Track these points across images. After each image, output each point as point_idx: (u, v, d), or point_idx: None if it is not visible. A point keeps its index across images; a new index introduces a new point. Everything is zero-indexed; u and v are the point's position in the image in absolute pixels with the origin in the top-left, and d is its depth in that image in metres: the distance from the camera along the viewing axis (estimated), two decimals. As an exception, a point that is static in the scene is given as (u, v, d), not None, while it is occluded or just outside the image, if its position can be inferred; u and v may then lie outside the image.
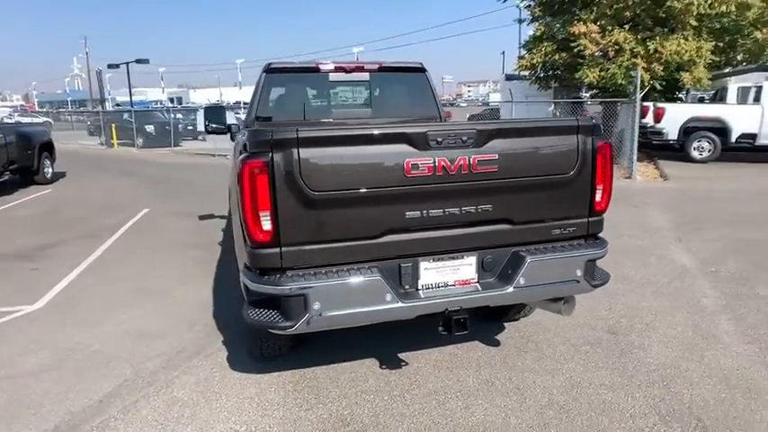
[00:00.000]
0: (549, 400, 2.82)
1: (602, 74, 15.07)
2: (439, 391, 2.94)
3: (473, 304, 2.58)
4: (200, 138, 27.67)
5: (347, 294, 2.34)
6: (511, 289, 2.54)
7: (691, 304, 4.05)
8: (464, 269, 2.59)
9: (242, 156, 2.32)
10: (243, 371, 3.24)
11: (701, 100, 18.74)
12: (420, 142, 2.34)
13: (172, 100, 60.18)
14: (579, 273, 2.66)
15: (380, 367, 3.25)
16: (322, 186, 2.30)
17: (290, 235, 2.31)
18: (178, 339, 3.73)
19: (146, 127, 21.76)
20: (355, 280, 2.34)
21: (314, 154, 2.27)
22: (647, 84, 14.18)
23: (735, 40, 15.06)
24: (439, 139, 2.36)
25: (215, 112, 5.75)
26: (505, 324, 3.73)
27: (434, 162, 2.37)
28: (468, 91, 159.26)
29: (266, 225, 2.29)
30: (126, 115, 22.87)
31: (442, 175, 2.39)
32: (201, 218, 7.85)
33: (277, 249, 2.32)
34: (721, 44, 14.86)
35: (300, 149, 2.24)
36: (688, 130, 11.86)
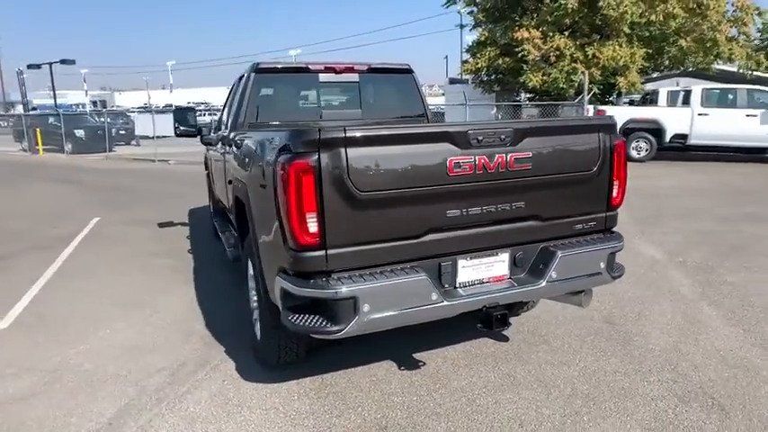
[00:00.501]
0: (573, 389, 2.91)
1: (544, 78, 15.77)
2: (465, 389, 2.96)
3: (510, 300, 2.62)
4: (133, 143, 26.38)
5: (396, 295, 2.31)
6: (544, 283, 2.61)
7: (671, 293, 4.31)
8: (498, 266, 2.63)
9: (283, 156, 2.23)
10: (257, 381, 3.12)
11: (631, 103, 19.98)
12: (462, 141, 2.36)
13: (95, 103, 56.72)
14: (603, 265, 2.77)
15: (399, 368, 3.23)
16: (369, 186, 2.26)
17: (336, 237, 2.26)
18: (175, 353, 3.53)
19: (75, 132, 20.36)
20: (403, 280, 2.32)
21: (361, 153, 2.22)
22: (586, 87, 14.93)
23: (662, 48, 16.21)
24: (480, 138, 2.38)
25: (184, 115, 5.51)
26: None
27: (475, 161, 2.39)
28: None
29: (312, 227, 2.22)
30: (52, 119, 21.32)
31: (481, 173, 2.42)
32: (161, 225, 7.49)
33: (322, 252, 2.26)
34: (650, 51, 15.95)
35: (348, 149, 2.20)
36: (627, 131, 12.62)
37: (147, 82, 79.74)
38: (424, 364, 3.27)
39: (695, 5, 15.12)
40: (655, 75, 18.16)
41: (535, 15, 16.57)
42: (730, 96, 12.50)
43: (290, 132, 2.30)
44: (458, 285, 2.56)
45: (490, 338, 3.57)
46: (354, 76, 4.48)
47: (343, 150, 2.19)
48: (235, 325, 3.92)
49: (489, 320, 2.55)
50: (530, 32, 15.42)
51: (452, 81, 23.39)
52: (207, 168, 6.38)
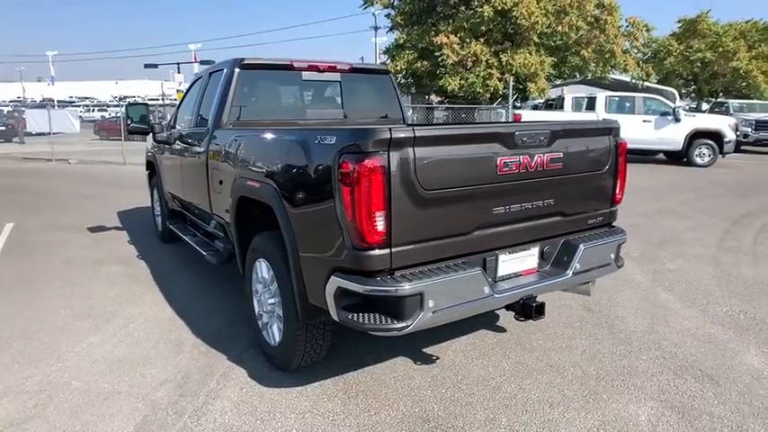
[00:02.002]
0: (582, 371, 3.17)
1: (462, 82, 16.53)
2: (487, 378, 3.10)
3: (542, 291, 2.80)
4: (15, 140, 23.86)
5: (455, 290, 2.38)
6: (570, 274, 2.82)
7: (629, 282, 4.78)
8: (529, 259, 2.80)
9: (351, 155, 2.21)
10: (277, 386, 3.03)
11: (535, 108, 21.48)
12: (510, 142, 2.49)
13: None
14: (612, 256, 3.05)
15: (417, 364, 3.30)
16: (431, 185, 2.31)
17: (401, 235, 2.28)
18: (172, 364, 3.32)
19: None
20: (462, 276, 2.40)
21: (427, 153, 2.27)
22: (500, 92, 15.89)
23: (565, 57, 17.66)
24: (524, 139, 2.53)
25: (137, 110, 5.17)
26: (497, 312, 4.02)
27: (520, 160, 2.53)
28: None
29: (380, 226, 2.23)
30: None
31: (524, 172, 2.57)
32: (93, 230, 6.90)
33: (387, 250, 2.27)
34: (555, 59, 17.32)
35: (416, 148, 2.24)
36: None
37: (22, 73, 71.88)
38: (438, 357, 3.37)
39: (593, 20, 16.68)
40: (558, 82, 19.72)
41: (451, 21, 17.30)
42: (628, 104, 13.93)
43: (357, 132, 2.29)
44: (497, 279, 2.69)
45: (487, 330, 3.75)
46: (336, 76, 4.46)
47: (410, 150, 2.23)
48: (225, 331, 3.76)
49: (528, 311, 2.71)
50: (448, 38, 16.08)
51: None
52: (155, 169, 5.96)
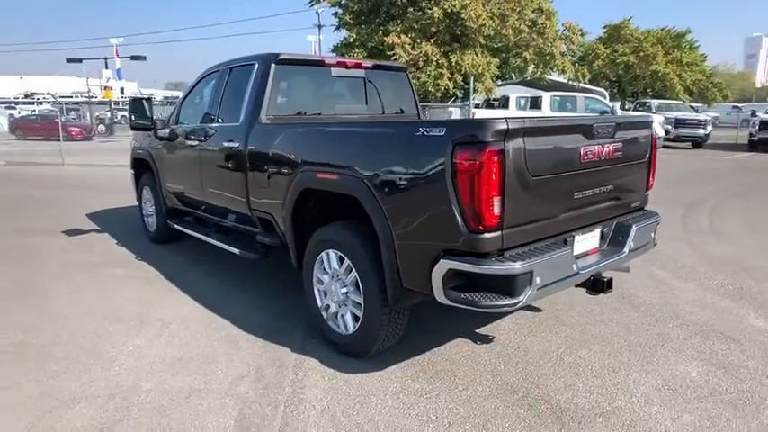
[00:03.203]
0: (626, 340, 3.51)
1: (414, 81, 16.91)
2: (547, 351, 3.36)
3: (607, 268, 3.10)
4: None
5: (554, 267, 2.61)
6: (626, 252, 3.14)
7: (624, 261, 5.26)
8: (593, 240, 3.09)
9: (470, 145, 2.37)
10: (356, 371, 3.12)
11: (477, 106, 22.31)
12: (589, 132, 2.76)
13: None
14: (652, 235, 3.42)
15: (476, 343, 3.50)
16: (536, 171, 2.53)
17: (510, 218, 2.47)
18: (237, 359, 3.31)
19: None
20: (560, 254, 2.63)
21: (533, 142, 2.48)
22: (451, 92, 16.45)
23: (507, 58, 18.55)
24: (599, 130, 2.81)
25: (140, 106, 5.03)
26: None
27: (595, 149, 2.81)
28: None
29: (496, 210, 2.41)
30: None
31: (598, 160, 2.85)
32: (70, 234, 6.53)
33: (499, 233, 2.46)
34: (499, 61, 18.15)
35: (526, 138, 2.44)
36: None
37: None
38: (493, 337, 3.60)
39: (531, 24, 17.65)
40: (499, 82, 20.65)
41: (400, 22, 17.66)
42: (570, 104, 14.91)
43: (473, 123, 2.45)
44: (575, 257, 2.95)
45: (525, 311, 4.02)
46: (361, 72, 4.57)
47: (521, 139, 2.43)
48: (273, 325, 3.79)
49: (600, 286, 2.99)
50: (400, 38, 16.40)
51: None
52: (149, 167, 5.74)
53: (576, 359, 3.26)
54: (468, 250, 2.48)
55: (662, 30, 26.32)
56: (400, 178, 2.71)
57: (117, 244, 6.07)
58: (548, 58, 17.16)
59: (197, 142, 4.67)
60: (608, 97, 19.11)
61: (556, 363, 3.22)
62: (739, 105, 30.55)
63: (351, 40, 18.33)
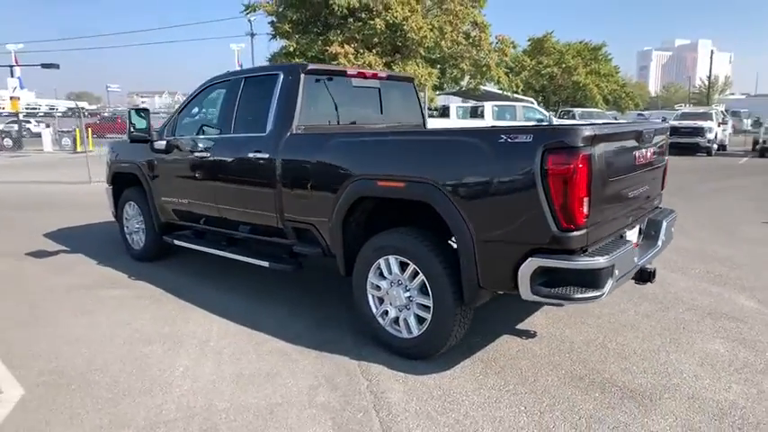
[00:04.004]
0: (650, 326, 3.86)
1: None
2: (590, 340, 3.63)
3: (651, 259, 3.42)
4: None
5: (626, 261, 2.86)
6: (660, 245, 3.48)
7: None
8: (634, 235, 3.40)
9: (563, 151, 2.56)
10: (426, 373, 3.21)
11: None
12: (640, 137, 3.06)
13: None
14: (672, 229, 3.80)
15: (522, 338, 3.70)
16: (611, 174, 2.77)
17: (593, 217, 2.70)
18: (301, 371, 3.28)
19: None
20: (629, 248, 2.89)
21: (608, 147, 2.73)
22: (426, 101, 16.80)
23: (444, 69, 19.24)
24: (646, 136, 3.12)
25: (140, 118, 4.84)
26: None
27: (644, 153, 3.12)
28: (143, 102, 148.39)
29: (585, 209, 2.62)
30: None
31: (644, 163, 3.16)
32: (37, 255, 6.05)
33: (585, 230, 2.67)
34: (437, 71, 18.80)
35: (603, 143, 2.68)
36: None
37: None
38: (535, 331, 3.82)
39: (465, 36, 18.47)
40: (437, 93, 21.34)
41: (339, 32, 17.80)
42: (509, 114, 15.77)
43: (563, 130, 2.63)
44: (624, 251, 3.24)
45: (551, 307, 4.27)
46: (377, 83, 4.68)
47: (602, 144, 2.67)
48: (318, 335, 3.79)
49: (646, 276, 3.29)
50: (343, 48, 16.54)
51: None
52: (138, 181, 5.45)
53: (617, 346, 3.55)
54: (559, 248, 2.67)
55: (580, 43, 28.58)
56: (481, 183, 2.86)
57: (98, 264, 5.69)
58: (484, 69, 18.03)
59: (207, 154, 4.53)
60: (536, 106, 20.41)
61: (602, 350, 3.49)
62: (644, 113, 33.62)
63: (291, 49, 18.18)
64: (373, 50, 17.27)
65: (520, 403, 2.88)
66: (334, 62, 16.58)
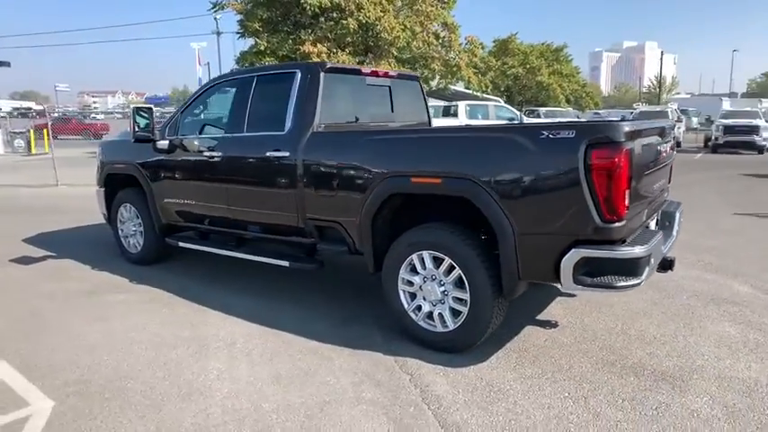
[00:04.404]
0: (663, 312, 4.05)
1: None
2: (608, 331, 3.77)
3: (669, 249, 3.58)
4: None
5: (657, 250, 3.00)
6: (675, 235, 3.66)
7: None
8: (653, 225, 3.56)
9: (607, 145, 2.67)
10: (464, 365, 3.26)
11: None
12: (663, 133, 3.22)
13: None
14: (682, 219, 4.00)
15: (546, 328, 3.81)
16: (643, 167, 2.91)
17: (630, 208, 2.83)
18: (338, 368, 3.28)
19: None
20: (659, 238, 3.04)
21: (642, 142, 2.88)
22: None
23: (414, 69, 19.36)
24: (666, 132, 3.29)
25: (145, 116, 4.73)
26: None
27: (665, 147, 3.28)
28: (95, 102, 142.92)
29: (626, 201, 2.74)
30: None
31: (664, 157, 3.32)
32: (23, 262, 5.79)
33: (625, 222, 2.80)
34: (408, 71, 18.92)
35: (639, 138, 2.81)
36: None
37: None
38: (556, 321, 3.94)
39: (435, 36, 18.68)
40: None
41: (311, 31, 17.67)
42: (481, 113, 16.06)
43: (605, 126, 2.74)
44: (650, 241, 3.40)
45: (566, 296, 4.42)
46: (388, 81, 4.71)
47: (639, 139, 2.80)
48: (344, 333, 3.79)
49: (667, 265, 3.46)
50: (316, 47, 16.42)
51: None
52: (137, 183, 5.29)
53: (637, 332, 3.72)
54: (601, 239, 2.78)
55: (542, 44, 29.44)
56: (522, 178, 2.94)
57: (93, 269, 5.48)
58: (454, 69, 18.28)
59: (218, 153, 4.46)
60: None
61: (624, 337, 3.65)
62: (600, 112, 34.85)
63: (262, 48, 17.90)
64: (346, 50, 17.21)
65: (563, 390, 2.98)
66: (307, 61, 16.46)
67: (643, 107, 27.78)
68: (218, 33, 24.16)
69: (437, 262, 3.35)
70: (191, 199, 4.83)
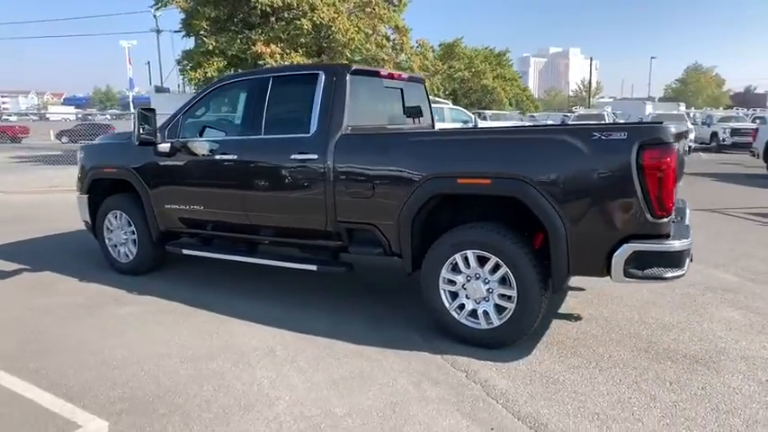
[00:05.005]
0: (669, 302, 4.36)
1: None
2: (627, 321, 4.02)
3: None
4: None
5: (692, 242, 3.26)
6: (687, 224, 3.97)
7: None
8: (671, 220, 3.85)
9: (659, 146, 2.87)
10: (511, 360, 3.37)
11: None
12: (681, 135, 3.48)
13: None
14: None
15: (573, 321, 4.01)
16: (679, 166, 3.15)
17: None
18: (391, 369, 3.30)
19: None
20: (691, 231, 3.30)
21: (681, 142, 3.11)
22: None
23: (367, 71, 19.45)
24: (687, 134, 3.56)
25: (149, 118, 4.55)
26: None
27: (683, 146, 3.56)
28: (5, 102, 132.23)
29: (673, 198, 2.97)
30: None
31: (682, 155, 3.59)
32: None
33: (670, 217, 3.02)
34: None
35: (680, 141, 3.04)
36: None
37: None
38: (578, 314, 4.15)
39: (385, 39, 18.86)
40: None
41: (261, 31, 17.32)
42: (438, 115, 16.36)
43: (656, 128, 2.93)
44: (671, 236, 3.66)
45: (577, 290, 4.65)
46: (400, 84, 4.77)
47: (681, 140, 3.03)
48: (379, 335, 3.81)
49: (691, 257, 3.73)
50: (270, 47, 16.13)
51: (158, 90, 21.56)
52: (136, 188, 5.01)
53: (654, 321, 3.99)
54: (652, 233, 2.99)
55: (486, 48, 30.46)
56: (575, 178, 3.09)
57: (81, 281, 5.15)
58: (407, 72, 18.52)
59: (232, 156, 4.33)
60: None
61: (645, 325, 3.90)
62: (534, 115, 36.47)
63: (210, 47, 17.31)
64: (299, 51, 17.01)
65: (613, 377, 3.16)
66: (261, 62, 16.12)
67: (581, 110, 29.34)
68: (158, 31, 23.05)
69: (481, 261, 3.45)
70: (198, 204, 4.65)
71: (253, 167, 4.26)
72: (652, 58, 63.56)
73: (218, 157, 4.41)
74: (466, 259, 3.48)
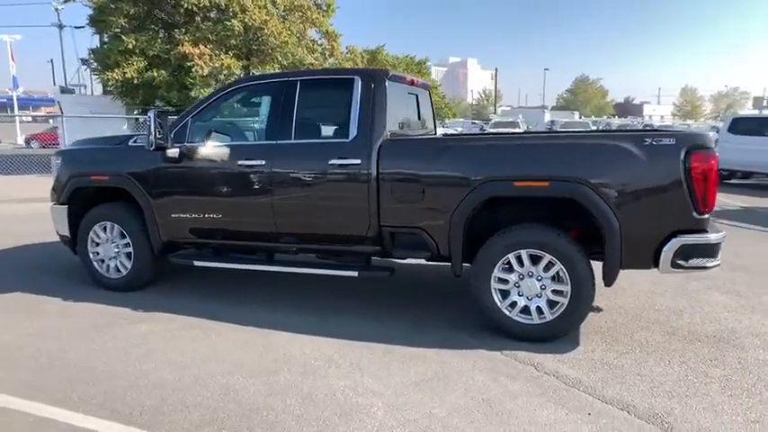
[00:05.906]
0: (673, 291, 4.86)
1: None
2: (643, 308, 4.43)
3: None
4: None
5: (717, 236, 3.69)
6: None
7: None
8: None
9: (703, 151, 3.23)
10: (565, 352, 3.59)
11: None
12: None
13: None
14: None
15: (596, 312, 4.34)
16: (712, 168, 3.57)
17: (708, 201, 3.45)
18: (462, 370, 3.39)
19: None
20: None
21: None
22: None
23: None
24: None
25: (165, 121, 4.32)
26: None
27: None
28: None
29: (715, 197, 3.35)
30: None
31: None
32: None
33: (710, 214, 3.41)
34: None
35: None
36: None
37: None
38: (599, 306, 4.48)
39: (312, 43, 18.78)
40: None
41: (184, 30, 16.48)
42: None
43: (699, 135, 3.30)
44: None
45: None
46: (417, 90, 4.87)
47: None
48: (428, 337, 3.88)
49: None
50: (199, 48, 15.39)
51: (64, 90, 19.64)
52: (135, 197, 4.62)
53: (665, 308, 4.43)
54: (696, 228, 3.36)
55: (406, 56, 31.18)
56: (629, 180, 3.39)
57: (65, 300, 4.65)
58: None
59: (260, 161, 4.16)
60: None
61: (659, 313, 4.32)
62: (445, 121, 38.02)
63: (130, 45, 16.11)
64: (229, 53, 16.38)
65: (661, 359, 3.48)
66: (189, 63, 15.34)
67: (497, 118, 31.00)
68: (61, 27, 20.91)
69: (533, 260, 3.64)
70: (215, 212, 4.39)
71: (284, 173, 4.13)
72: (545, 69, 68.78)
73: (240, 162, 4.22)
74: (519, 258, 3.66)
